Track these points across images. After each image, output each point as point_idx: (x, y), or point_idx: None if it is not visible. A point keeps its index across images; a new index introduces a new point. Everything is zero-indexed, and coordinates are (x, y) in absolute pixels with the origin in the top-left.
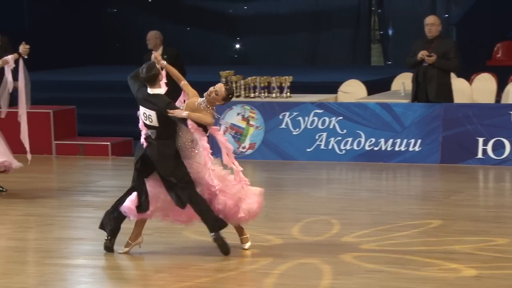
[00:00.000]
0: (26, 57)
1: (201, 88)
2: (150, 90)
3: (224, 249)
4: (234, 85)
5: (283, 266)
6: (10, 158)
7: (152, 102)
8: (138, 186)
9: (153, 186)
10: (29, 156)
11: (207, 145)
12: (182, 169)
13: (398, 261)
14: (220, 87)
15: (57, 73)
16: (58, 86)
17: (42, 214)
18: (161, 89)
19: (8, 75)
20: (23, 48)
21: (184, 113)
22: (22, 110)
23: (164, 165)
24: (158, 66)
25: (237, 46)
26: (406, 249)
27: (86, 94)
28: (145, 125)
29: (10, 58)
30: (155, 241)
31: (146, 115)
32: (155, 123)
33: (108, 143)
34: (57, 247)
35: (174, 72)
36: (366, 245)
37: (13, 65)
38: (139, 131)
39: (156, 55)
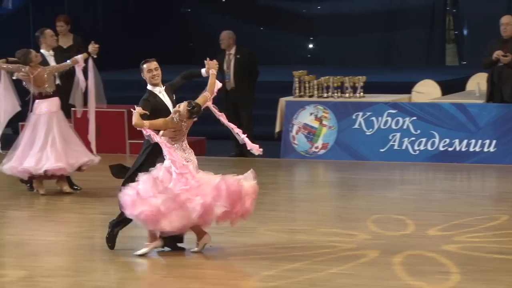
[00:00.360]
0: (95, 56)
1: (273, 88)
2: None
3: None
4: (306, 84)
5: (358, 267)
6: (90, 156)
7: None
8: None
9: None
10: (95, 157)
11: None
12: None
13: (475, 262)
14: (183, 107)
15: (131, 72)
16: (132, 86)
17: (115, 213)
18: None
19: (80, 75)
20: (92, 47)
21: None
22: (91, 109)
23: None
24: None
25: (311, 45)
26: (481, 250)
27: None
28: None
29: (80, 57)
30: (228, 240)
31: None
32: None
33: None
34: (129, 245)
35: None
36: (444, 246)
37: (83, 65)
38: (212, 131)
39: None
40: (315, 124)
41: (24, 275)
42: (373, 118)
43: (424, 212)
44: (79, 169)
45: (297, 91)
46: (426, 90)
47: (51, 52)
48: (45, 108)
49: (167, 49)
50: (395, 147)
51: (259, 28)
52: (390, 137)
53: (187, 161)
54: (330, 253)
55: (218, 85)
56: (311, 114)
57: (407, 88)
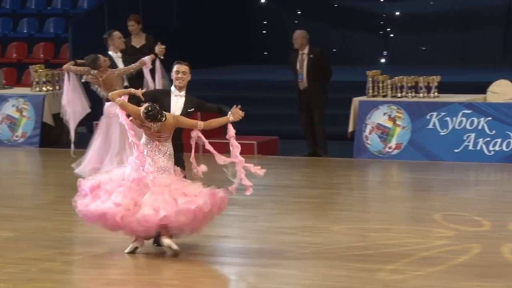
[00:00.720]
0: (162, 57)
1: (346, 87)
2: None
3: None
4: (380, 84)
5: (432, 268)
6: None
7: None
8: None
9: None
10: None
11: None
12: None
13: None
14: (142, 108)
15: (203, 72)
16: (205, 85)
17: None
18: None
19: (148, 76)
20: (159, 48)
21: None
22: None
23: None
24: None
25: (384, 45)
26: None
27: (232, 93)
28: None
29: (147, 59)
30: (301, 240)
31: None
32: None
33: (254, 142)
34: (203, 244)
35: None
36: None
37: (151, 66)
38: (285, 131)
39: None
40: (389, 124)
41: (98, 273)
42: (448, 118)
43: (500, 213)
44: None
45: (370, 90)
46: (502, 90)
47: (119, 54)
48: (116, 110)
49: (240, 48)
50: (470, 148)
51: (333, 28)
52: (465, 138)
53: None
54: (403, 254)
55: (231, 132)
56: (384, 114)
57: (482, 88)
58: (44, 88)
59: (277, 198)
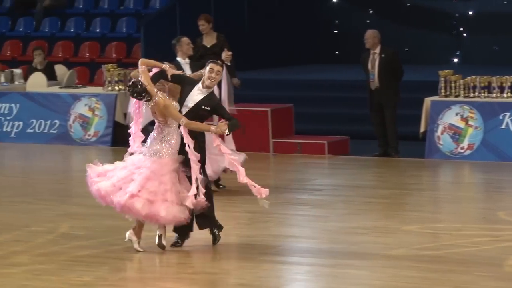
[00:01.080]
0: (229, 64)
1: (418, 87)
2: None
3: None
4: (452, 84)
5: (504, 271)
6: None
7: None
8: None
9: None
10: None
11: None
12: None
13: None
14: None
15: (275, 71)
16: (276, 85)
17: (259, 211)
18: None
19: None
20: (226, 55)
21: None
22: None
23: None
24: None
25: (457, 45)
26: None
27: (303, 93)
28: None
29: None
30: (371, 241)
31: None
32: None
33: (325, 141)
34: (273, 244)
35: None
36: None
37: None
38: (356, 131)
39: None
40: (461, 124)
41: (169, 271)
42: None
43: None
44: (224, 171)
45: (442, 90)
46: None
47: (187, 60)
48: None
49: (311, 48)
50: None
51: (405, 27)
52: None
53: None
54: (474, 254)
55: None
56: (456, 114)
57: None
58: (116, 88)
59: (347, 198)
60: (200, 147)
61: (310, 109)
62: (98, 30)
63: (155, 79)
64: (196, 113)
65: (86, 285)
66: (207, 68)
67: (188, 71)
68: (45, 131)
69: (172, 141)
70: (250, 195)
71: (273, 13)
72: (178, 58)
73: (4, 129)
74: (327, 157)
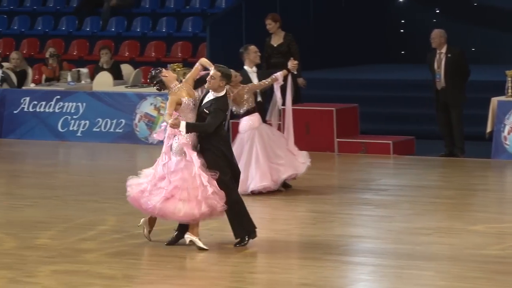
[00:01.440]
0: (295, 72)
1: (484, 87)
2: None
3: None
4: None
5: None
6: (297, 168)
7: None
8: None
9: None
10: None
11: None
12: None
13: None
14: None
15: (340, 71)
16: (342, 84)
17: (323, 211)
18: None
19: (277, 92)
20: (292, 64)
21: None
22: (289, 127)
23: None
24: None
25: None
26: None
27: (369, 92)
28: None
29: (279, 75)
30: (435, 241)
31: None
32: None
33: (390, 141)
34: (337, 244)
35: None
36: None
37: (282, 82)
38: (422, 130)
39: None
40: None
41: (231, 270)
42: None
43: None
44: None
45: (509, 90)
46: None
47: (254, 69)
48: (246, 126)
49: (377, 47)
50: None
51: (472, 27)
52: None
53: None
54: None
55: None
56: None
57: None
58: None
59: (412, 198)
60: (215, 153)
61: (375, 109)
62: (164, 30)
63: (200, 81)
64: (200, 116)
65: (152, 283)
66: (251, 50)
67: (255, 80)
68: (111, 130)
69: (181, 140)
70: (314, 194)
71: (339, 12)
72: (245, 67)
73: (71, 128)
74: (392, 157)
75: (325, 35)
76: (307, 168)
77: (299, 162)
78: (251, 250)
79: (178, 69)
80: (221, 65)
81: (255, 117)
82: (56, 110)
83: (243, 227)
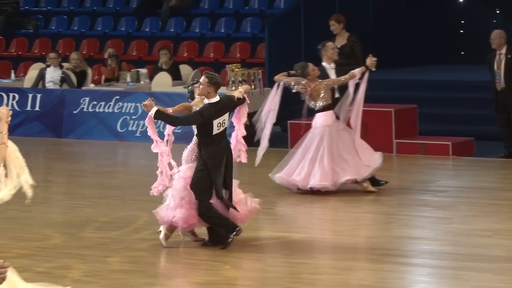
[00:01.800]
0: (373, 69)
1: None
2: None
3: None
4: None
5: None
6: (359, 172)
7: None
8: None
9: None
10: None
11: None
12: None
13: None
14: None
15: (399, 72)
16: (401, 85)
17: (381, 212)
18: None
19: (351, 89)
20: (371, 60)
21: None
22: (357, 122)
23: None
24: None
25: None
26: None
27: (428, 93)
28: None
29: (357, 71)
30: (495, 243)
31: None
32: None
33: (449, 142)
34: (395, 245)
35: None
36: None
37: (358, 80)
38: (482, 131)
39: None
40: None
41: (289, 271)
42: None
43: None
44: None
45: None
46: None
47: (332, 65)
48: (320, 122)
49: (437, 48)
50: None
51: None
52: None
53: None
54: None
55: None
56: None
57: None
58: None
59: (471, 200)
60: (208, 164)
61: (434, 110)
62: (222, 30)
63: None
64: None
65: (212, 283)
66: (329, 46)
67: (333, 76)
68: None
69: (188, 147)
70: (373, 196)
71: (399, 13)
72: (324, 63)
73: (130, 128)
74: (451, 158)
75: (384, 35)
76: (374, 170)
77: (364, 165)
78: (310, 251)
79: (237, 69)
80: (211, 73)
81: (329, 114)
82: (115, 110)
83: (219, 232)
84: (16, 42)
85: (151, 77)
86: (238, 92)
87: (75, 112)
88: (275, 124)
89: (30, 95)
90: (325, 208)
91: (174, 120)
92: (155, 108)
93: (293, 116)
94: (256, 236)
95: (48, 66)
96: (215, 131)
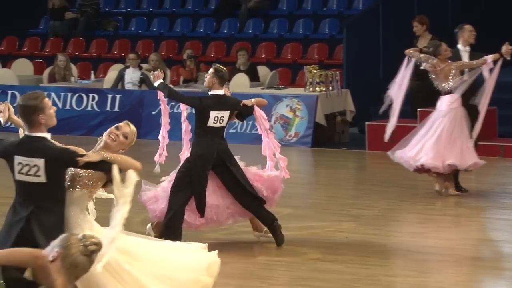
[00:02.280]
0: (508, 57)
1: None
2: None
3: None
4: None
5: None
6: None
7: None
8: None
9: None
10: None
11: None
12: None
13: None
14: None
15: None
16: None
17: (460, 215)
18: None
19: (486, 74)
20: (506, 48)
21: None
22: (482, 110)
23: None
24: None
25: None
26: None
27: (507, 95)
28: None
29: (490, 57)
30: None
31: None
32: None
33: None
34: (474, 248)
35: None
36: None
37: (492, 66)
38: None
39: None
40: None
41: (366, 273)
42: None
43: None
44: (465, 170)
45: None
46: None
47: (467, 48)
48: (445, 104)
49: None
50: None
51: None
52: None
53: None
54: None
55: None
56: None
57: None
58: (318, 89)
59: None
60: (183, 166)
61: None
62: (300, 31)
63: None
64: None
65: (286, 284)
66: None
67: (465, 59)
68: (247, 131)
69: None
70: (451, 197)
71: (478, 13)
72: (459, 45)
73: None
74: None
75: None
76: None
77: (474, 157)
78: (384, 252)
79: (314, 71)
80: (220, 66)
81: (455, 97)
82: (194, 111)
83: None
84: (96, 43)
85: (229, 78)
86: (249, 100)
87: (153, 113)
88: (352, 126)
89: (110, 96)
90: (401, 210)
91: (174, 94)
92: (160, 80)
93: (372, 117)
94: (333, 236)
95: (127, 67)
96: (211, 123)
